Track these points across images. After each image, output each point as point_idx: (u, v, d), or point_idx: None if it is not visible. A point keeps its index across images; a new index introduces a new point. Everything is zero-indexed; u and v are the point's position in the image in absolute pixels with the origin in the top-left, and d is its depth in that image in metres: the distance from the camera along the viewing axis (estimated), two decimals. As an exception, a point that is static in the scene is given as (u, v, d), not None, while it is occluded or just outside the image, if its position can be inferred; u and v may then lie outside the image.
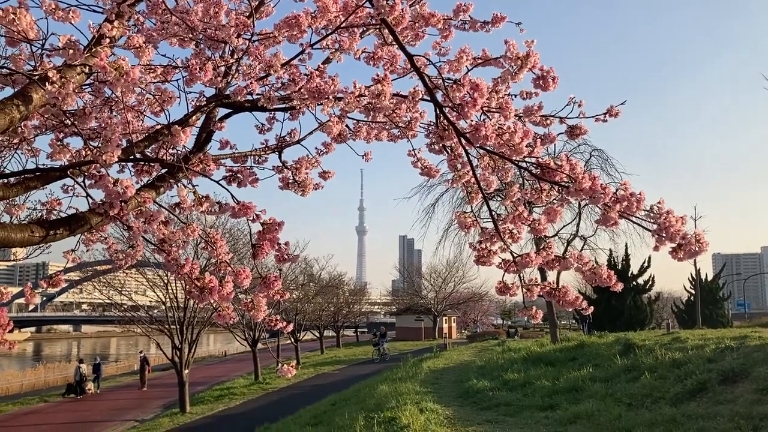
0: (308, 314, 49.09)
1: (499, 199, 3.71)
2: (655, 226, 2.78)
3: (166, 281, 29.72)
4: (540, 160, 3.12)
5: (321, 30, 4.22)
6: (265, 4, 4.60)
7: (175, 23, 3.97)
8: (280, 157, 4.76)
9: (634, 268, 47.76)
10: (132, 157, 3.41)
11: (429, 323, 70.44)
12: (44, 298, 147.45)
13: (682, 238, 2.70)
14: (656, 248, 2.82)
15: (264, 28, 4.25)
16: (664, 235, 2.74)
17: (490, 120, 2.90)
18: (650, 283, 48.58)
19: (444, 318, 73.22)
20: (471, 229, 3.68)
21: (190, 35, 4.01)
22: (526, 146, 3.02)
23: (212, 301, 3.08)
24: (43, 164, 3.54)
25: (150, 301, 33.20)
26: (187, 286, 3.06)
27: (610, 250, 44.51)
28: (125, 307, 33.13)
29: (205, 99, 4.20)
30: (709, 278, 57.23)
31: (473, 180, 3.42)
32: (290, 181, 4.68)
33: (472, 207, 3.68)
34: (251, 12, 4.24)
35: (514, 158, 3.02)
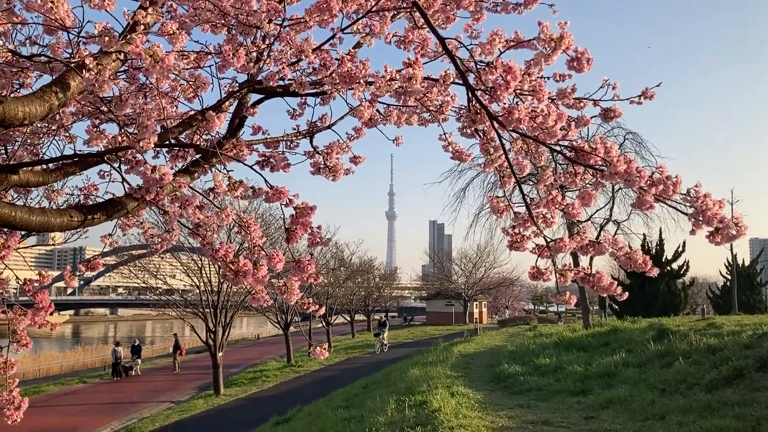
0: (339, 298, 49.45)
1: (531, 183, 3.68)
2: (691, 210, 2.74)
3: (200, 265, 30.19)
4: (574, 143, 3.08)
5: (352, 14, 4.22)
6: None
7: (208, 9, 4.00)
8: (311, 142, 4.78)
9: (669, 253, 47.08)
10: (167, 142, 3.45)
11: (459, 308, 70.44)
12: (82, 282, 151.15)
13: (719, 222, 2.65)
14: (693, 232, 2.77)
15: (295, 13, 4.26)
16: (701, 219, 2.68)
17: (523, 103, 2.87)
18: (685, 268, 47.85)
19: (475, 303, 73.11)
20: (504, 213, 3.66)
21: (222, 21, 4.03)
22: (560, 129, 2.98)
23: (246, 285, 3.12)
24: (81, 150, 3.61)
25: (184, 285, 33.75)
26: (222, 270, 3.10)
27: (644, 235, 43.94)
28: (160, 291, 33.77)
29: (237, 85, 4.23)
30: (746, 263, 56.05)
31: (506, 164, 3.39)
32: (321, 166, 4.71)
33: (504, 191, 3.65)
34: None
35: (547, 141, 2.98)
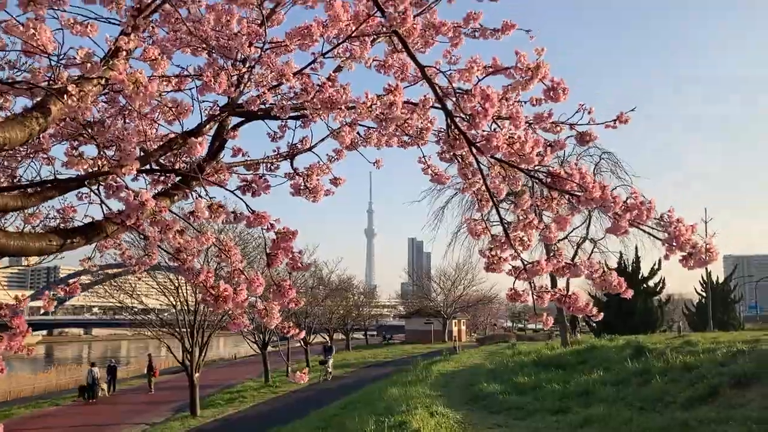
0: (318, 317, 49.16)
1: (509, 201, 3.73)
2: (665, 235, 2.80)
3: (176, 285, 29.87)
4: (550, 168, 3.14)
5: (332, 39, 4.27)
6: (277, 12, 4.65)
7: (188, 32, 4.02)
8: (291, 164, 4.80)
9: (645, 271, 47.59)
10: (148, 167, 3.46)
11: (438, 326, 70.38)
12: (56, 302, 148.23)
13: (692, 247, 2.72)
14: (666, 257, 2.84)
15: (275, 36, 4.29)
16: (674, 244, 2.75)
17: (501, 129, 2.93)
18: (661, 285, 48.37)
19: (454, 321, 73.13)
20: (481, 236, 3.71)
21: (203, 45, 4.05)
22: (537, 155, 3.04)
23: (226, 309, 3.12)
24: (59, 172, 3.60)
25: (160, 304, 33.36)
26: (202, 294, 3.10)
27: (621, 253, 44.40)
28: (136, 310, 33.31)
29: (218, 108, 4.24)
30: (721, 280, 56.85)
31: (483, 188, 3.45)
32: (301, 187, 4.72)
33: (482, 214, 3.70)
34: (263, 20, 4.28)
35: (524, 167, 3.04)
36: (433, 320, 70.84)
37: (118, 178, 2.89)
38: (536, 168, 3.08)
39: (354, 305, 64.98)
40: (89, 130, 3.07)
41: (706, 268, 51.80)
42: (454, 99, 3.11)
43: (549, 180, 3.07)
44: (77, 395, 34.01)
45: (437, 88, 3.09)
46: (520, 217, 3.31)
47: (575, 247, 35.35)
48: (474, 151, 3.02)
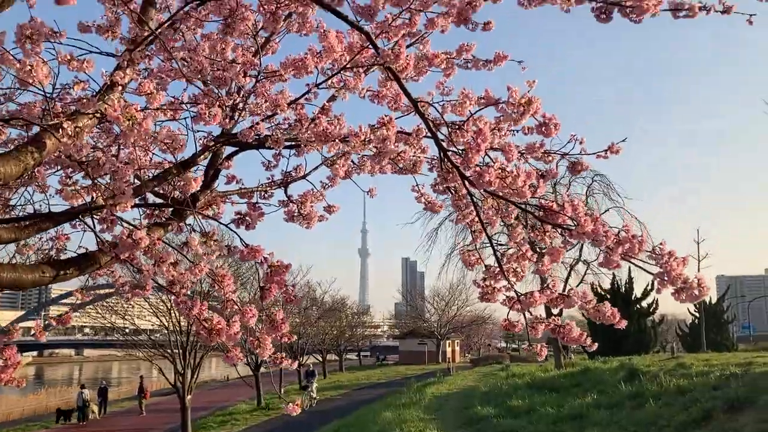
0: (311, 338, 48.89)
1: (504, 229, 3.75)
2: (656, 269, 2.82)
3: (168, 306, 29.71)
4: (543, 201, 3.17)
5: (326, 70, 4.31)
6: (271, 41, 4.70)
7: (182, 60, 4.05)
8: (285, 192, 4.82)
9: (638, 291, 47.62)
10: (142, 199, 3.46)
11: (432, 347, 70.10)
12: (46, 322, 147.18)
13: (683, 282, 2.74)
14: (659, 291, 2.85)
15: (270, 63, 4.32)
16: (665, 278, 2.77)
17: (493, 162, 2.95)
18: (654, 306, 48.37)
19: (447, 342, 72.87)
20: (474, 266, 3.72)
21: (198, 76, 4.08)
22: (529, 187, 3.07)
23: (219, 342, 3.12)
24: (54, 203, 3.61)
25: (152, 325, 33.15)
26: (196, 327, 3.10)
27: (613, 274, 44.45)
28: (127, 331, 33.08)
29: (212, 138, 4.26)
30: (713, 301, 56.90)
31: (477, 220, 3.47)
32: (295, 214, 4.73)
33: (476, 245, 3.72)
34: (257, 50, 4.33)
35: (517, 201, 3.07)
36: (427, 341, 70.55)
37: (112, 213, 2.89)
38: (529, 201, 3.11)
39: (347, 326, 64.65)
40: (84, 167, 3.06)
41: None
42: (446, 134, 3.13)
43: (541, 213, 3.10)
44: (57, 419, 33.39)
45: (430, 122, 3.12)
46: (514, 249, 3.33)
47: (568, 269, 35.40)
48: (467, 183, 3.04)
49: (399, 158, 3.37)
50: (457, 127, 3.06)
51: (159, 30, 3.34)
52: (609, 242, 2.87)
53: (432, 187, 3.51)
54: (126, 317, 32.26)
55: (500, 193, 3.04)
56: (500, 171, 2.90)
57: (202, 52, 4.08)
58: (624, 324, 3.57)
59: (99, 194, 3.19)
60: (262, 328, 3.41)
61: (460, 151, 2.96)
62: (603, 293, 44.29)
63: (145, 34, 3.59)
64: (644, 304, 47.85)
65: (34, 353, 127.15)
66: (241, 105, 4.34)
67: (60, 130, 2.64)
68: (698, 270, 49.89)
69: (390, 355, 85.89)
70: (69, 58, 2.97)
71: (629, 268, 43.98)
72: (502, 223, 3.47)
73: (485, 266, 3.69)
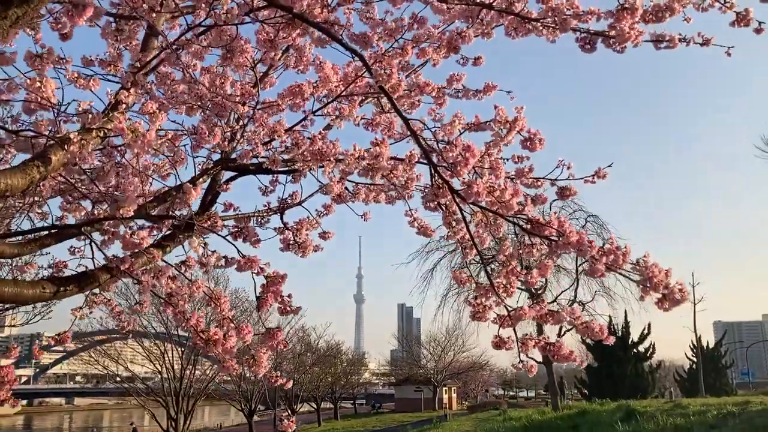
0: (305, 385, 48.27)
1: (492, 256, 3.86)
2: (640, 278, 2.93)
3: (162, 350, 29.49)
4: (530, 216, 3.29)
5: (322, 98, 4.48)
6: (269, 76, 4.87)
7: (183, 91, 4.20)
8: (281, 218, 4.92)
9: (635, 336, 47.38)
10: (144, 213, 3.57)
11: (429, 394, 69.14)
12: (38, 370, 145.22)
13: (665, 288, 2.84)
14: (642, 298, 2.96)
15: (267, 98, 4.49)
16: (648, 285, 2.88)
17: (482, 178, 3.08)
18: (651, 350, 48.07)
19: (444, 388, 71.92)
20: (466, 284, 3.81)
21: (198, 103, 4.24)
22: (518, 204, 3.19)
23: (215, 354, 3.18)
24: (58, 222, 3.70)
25: (146, 372, 32.83)
26: (193, 338, 3.17)
27: (610, 317, 44.22)
28: (121, 377, 32.72)
29: (212, 162, 4.39)
30: (710, 346, 56.57)
31: (467, 236, 3.58)
32: (291, 242, 4.83)
33: (467, 263, 3.81)
34: (256, 82, 4.49)
35: (505, 214, 3.19)
36: (424, 388, 69.63)
37: (114, 226, 2.98)
38: (517, 215, 3.23)
39: (342, 373, 63.86)
40: (83, 182, 3.17)
41: (696, 332, 51.76)
42: (438, 152, 3.27)
43: (529, 226, 3.21)
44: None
45: (422, 141, 3.26)
46: (503, 263, 3.43)
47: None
48: (457, 199, 3.17)
49: (392, 176, 3.49)
50: (446, 143, 3.19)
51: (161, 53, 3.49)
52: (593, 252, 2.98)
53: (423, 205, 3.63)
54: (119, 361, 31.95)
55: (489, 207, 3.16)
56: (489, 186, 3.03)
57: (201, 86, 4.24)
58: (612, 340, 3.66)
59: (99, 212, 3.31)
60: (258, 344, 3.48)
61: (450, 165, 3.09)
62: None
63: (149, 57, 3.75)
64: (641, 348, 47.55)
65: (24, 402, 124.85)
66: (239, 133, 4.48)
67: (67, 142, 2.75)
68: (694, 313, 49.83)
69: (386, 403, 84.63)
70: (76, 76, 3.12)
71: (625, 312, 43.89)
72: (492, 240, 3.57)
73: (476, 284, 3.79)
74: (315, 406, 57.53)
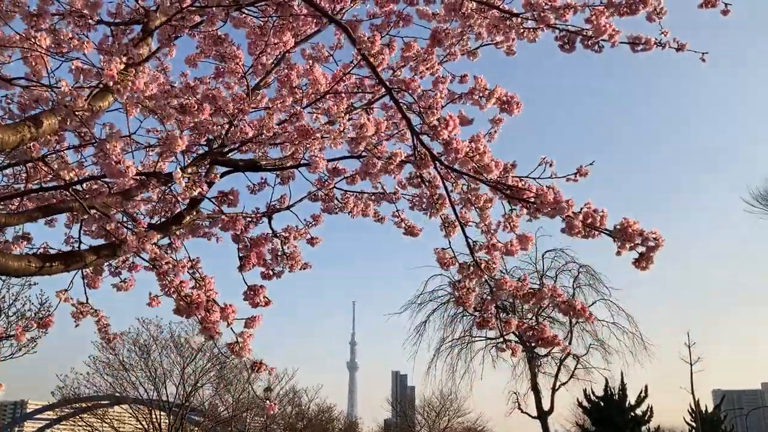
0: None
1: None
2: (614, 229, 2.98)
3: (149, 409, 28.93)
4: (510, 183, 3.37)
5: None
6: (261, 88, 5.02)
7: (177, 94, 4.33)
8: (270, 223, 4.97)
9: (632, 398, 46.55)
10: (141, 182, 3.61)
11: (423, 463, 67.22)
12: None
13: (639, 235, 2.89)
14: (618, 253, 3.00)
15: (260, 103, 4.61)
16: (623, 236, 2.93)
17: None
18: (649, 413, 47.13)
19: (439, 457, 69.95)
20: (450, 266, 3.85)
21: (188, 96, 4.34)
22: (501, 171, 3.26)
23: (198, 317, 3.18)
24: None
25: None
26: (176, 302, 3.17)
27: (606, 380, 43.57)
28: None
29: (202, 154, 4.47)
30: (709, 410, 55.53)
31: (452, 215, 3.64)
32: (279, 253, 4.86)
33: (449, 241, 3.86)
34: (248, 92, 4.63)
35: (485, 178, 3.26)
36: (418, 457, 67.72)
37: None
38: (498, 181, 3.30)
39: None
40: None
41: (694, 395, 50.92)
42: (418, 115, 3.36)
43: (509, 191, 3.29)
44: None
45: (401, 105, 3.36)
46: (484, 231, 3.48)
47: (558, 363, 34.89)
48: (439, 167, 3.25)
49: (377, 151, 3.57)
50: (428, 107, 3.28)
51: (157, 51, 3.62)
52: (569, 211, 3.04)
53: (407, 181, 3.70)
54: (105, 420, 31.24)
55: (469, 172, 3.24)
56: (468, 150, 3.11)
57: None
58: (593, 318, 3.68)
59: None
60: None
61: (432, 128, 3.17)
62: (596, 399, 43.35)
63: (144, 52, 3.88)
64: (639, 411, 46.62)
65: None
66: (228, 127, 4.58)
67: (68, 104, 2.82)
68: (691, 374, 49.13)
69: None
70: (70, 36, 3.23)
71: (621, 372, 43.26)
72: (475, 210, 3.63)
73: (459, 264, 3.82)
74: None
